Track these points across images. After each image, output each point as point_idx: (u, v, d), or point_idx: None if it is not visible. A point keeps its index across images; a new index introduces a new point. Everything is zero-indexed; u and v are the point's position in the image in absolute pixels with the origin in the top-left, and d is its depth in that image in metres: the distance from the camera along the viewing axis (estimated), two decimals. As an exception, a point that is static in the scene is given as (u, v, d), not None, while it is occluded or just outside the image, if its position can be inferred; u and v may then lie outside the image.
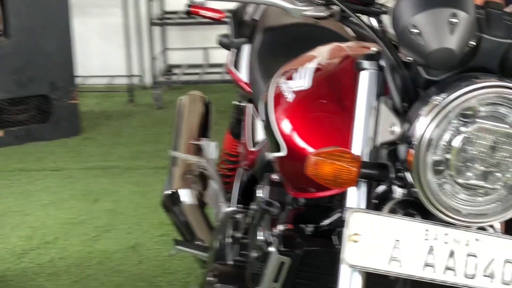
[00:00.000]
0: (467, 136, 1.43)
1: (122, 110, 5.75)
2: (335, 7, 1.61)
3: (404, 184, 1.54)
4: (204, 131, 3.02)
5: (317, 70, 1.90)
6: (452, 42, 1.42)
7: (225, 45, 2.83)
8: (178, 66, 6.23)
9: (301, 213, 1.88)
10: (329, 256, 1.74)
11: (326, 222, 1.78)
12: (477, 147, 1.44)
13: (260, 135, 2.42)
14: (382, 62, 1.59)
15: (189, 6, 2.25)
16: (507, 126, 1.45)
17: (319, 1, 1.63)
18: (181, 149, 2.90)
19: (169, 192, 2.80)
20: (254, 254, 1.98)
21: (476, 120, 1.43)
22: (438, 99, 1.43)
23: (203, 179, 2.85)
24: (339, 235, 1.65)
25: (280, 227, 1.81)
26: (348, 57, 1.90)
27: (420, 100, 1.48)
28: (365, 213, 1.49)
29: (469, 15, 1.43)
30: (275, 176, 1.97)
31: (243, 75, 2.68)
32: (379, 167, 1.54)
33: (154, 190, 4.15)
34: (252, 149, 2.46)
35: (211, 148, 2.89)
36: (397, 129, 1.50)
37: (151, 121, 5.48)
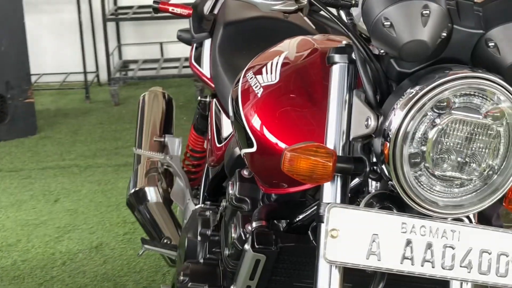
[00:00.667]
0: (442, 127, 1.43)
1: (78, 108, 5.67)
2: (304, 1, 1.60)
3: (379, 177, 1.53)
4: (167, 127, 3.00)
5: (286, 64, 1.88)
6: (425, 34, 1.41)
7: (185, 40, 2.79)
8: (133, 62, 6.17)
9: (274, 209, 1.86)
10: (304, 251, 1.74)
11: (300, 217, 1.77)
12: (452, 139, 1.44)
13: (226, 130, 2.39)
14: (353, 55, 1.58)
15: (158, 3, 2.20)
16: (481, 117, 1.45)
17: (288, -5, 1.61)
18: (145, 147, 2.87)
19: (134, 190, 2.77)
20: (227, 251, 1.96)
21: (450, 111, 1.43)
22: (412, 91, 1.43)
23: (168, 176, 2.83)
24: (314, 230, 1.64)
25: (254, 224, 1.79)
26: (315, 50, 1.89)
27: (394, 93, 1.47)
28: (343, 208, 1.48)
29: (440, 6, 1.42)
30: (245, 172, 1.95)
31: (205, 70, 2.65)
32: (354, 161, 1.53)
33: (115, 188, 4.12)
34: (219, 145, 2.44)
35: (175, 144, 2.86)
36: (372, 122, 1.48)
37: (109, 118, 5.42)
